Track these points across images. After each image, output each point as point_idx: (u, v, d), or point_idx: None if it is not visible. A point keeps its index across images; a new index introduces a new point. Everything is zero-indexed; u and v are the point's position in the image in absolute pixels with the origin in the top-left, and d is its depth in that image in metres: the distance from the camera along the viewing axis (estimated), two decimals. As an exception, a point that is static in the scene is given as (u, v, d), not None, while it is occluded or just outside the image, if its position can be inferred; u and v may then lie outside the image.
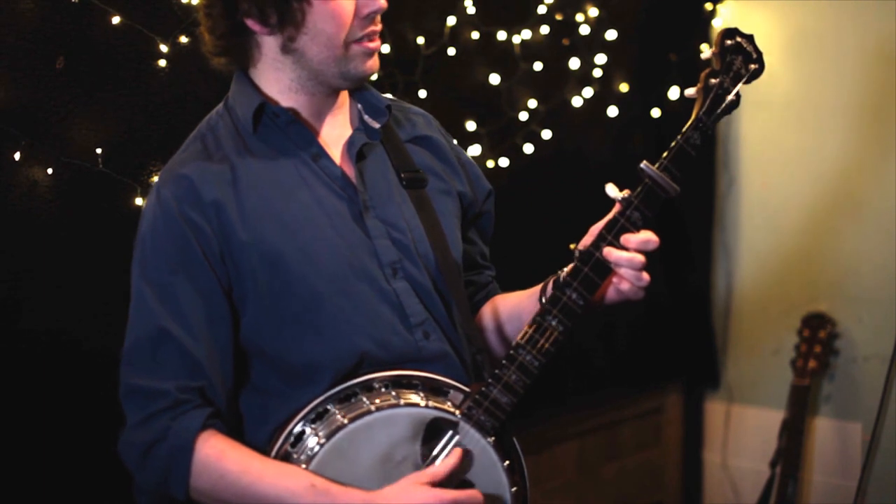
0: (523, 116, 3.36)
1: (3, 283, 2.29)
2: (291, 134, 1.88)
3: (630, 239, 1.78)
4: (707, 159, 3.94)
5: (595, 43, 3.53)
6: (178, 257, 1.78)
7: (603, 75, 3.56)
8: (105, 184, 2.39)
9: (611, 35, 3.55)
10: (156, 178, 2.45)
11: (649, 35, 3.72)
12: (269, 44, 1.86)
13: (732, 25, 1.90)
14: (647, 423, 3.99)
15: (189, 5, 2.49)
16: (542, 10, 3.38)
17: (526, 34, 3.34)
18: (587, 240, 1.83)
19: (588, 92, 3.52)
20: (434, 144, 2.05)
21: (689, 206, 3.87)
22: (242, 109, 1.88)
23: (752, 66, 1.85)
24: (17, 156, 2.27)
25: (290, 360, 1.81)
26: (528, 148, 3.34)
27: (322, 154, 1.88)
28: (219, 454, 1.72)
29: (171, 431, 1.73)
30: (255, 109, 1.86)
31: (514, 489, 1.80)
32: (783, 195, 3.82)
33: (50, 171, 2.32)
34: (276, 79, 1.88)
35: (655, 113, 3.74)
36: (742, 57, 1.85)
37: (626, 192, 1.79)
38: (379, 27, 1.87)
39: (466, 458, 1.75)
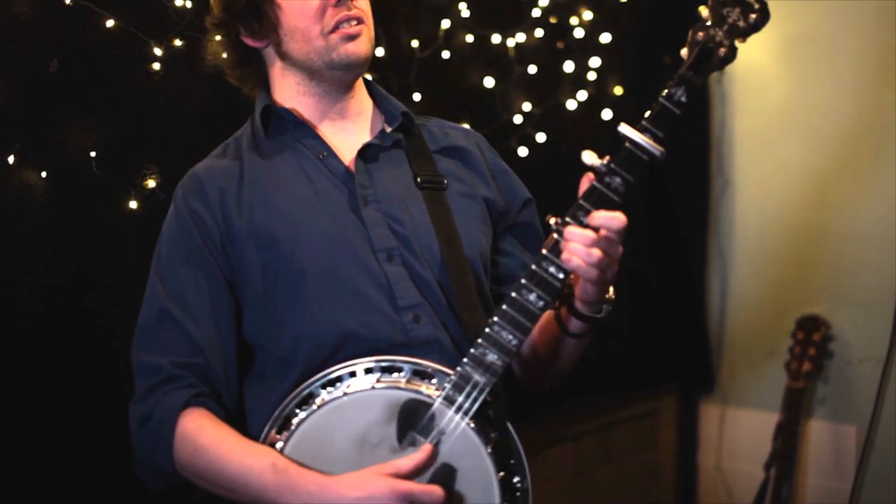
0: (518, 119, 3.37)
1: (-2, 287, 2.29)
2: (300, 135, 1.98)
3: (595, 216, 1.69)
4: (701, 162, 3.94)
5: (589, 46, 3.53)
6: (184, 247, 1.90)
7: (597, 78, 3.56)
8: (99, 187, 2.39)
9: (605, 38, 3.56)
10: (150, 181, 2.47)
11: (643, 38, 3.73)
12: (271, 55, 2.00)
13: None
14: (642, 426, 4.00)
15: (183, 9, 2.49)
16: (536, 13, 3.38)
17: (520, 37, 3.35)
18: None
19: (582, 95, 3.52)
20: (464, 154, 2.10)
21: (684, 209, 3.87)
22: (257, 116, 2.01)
23: (753, 17, 1.75)
24: (10, 159, 2.26)
25: (280, 342, 1.88)
26: (523, 151, 3.34)
27: (330, 154, 1.97)
28: (197, 429, 1.81)
29: (159, 406, 1.83)
30: (262, 111, 1.98)
31: (500, 474, 1.76)
32: (778, 198, 3.82)
33: (44, 174, 2.32)
34: (285, 86, 2.00)
35: (650, 116, 3.74)
36: (740, 9, 1.76)
37: (606, 159, 1.72)
38: (354, 12, 1.91)
39: (442, 446, 1.73)
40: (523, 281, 1.73)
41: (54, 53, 2.33)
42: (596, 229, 1.70)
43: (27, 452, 2.34)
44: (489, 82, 3.28)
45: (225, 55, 2.07)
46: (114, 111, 2.43)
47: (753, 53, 3.72)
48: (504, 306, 1.73)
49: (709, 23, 1.76)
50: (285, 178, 1.93)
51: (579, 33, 3.51)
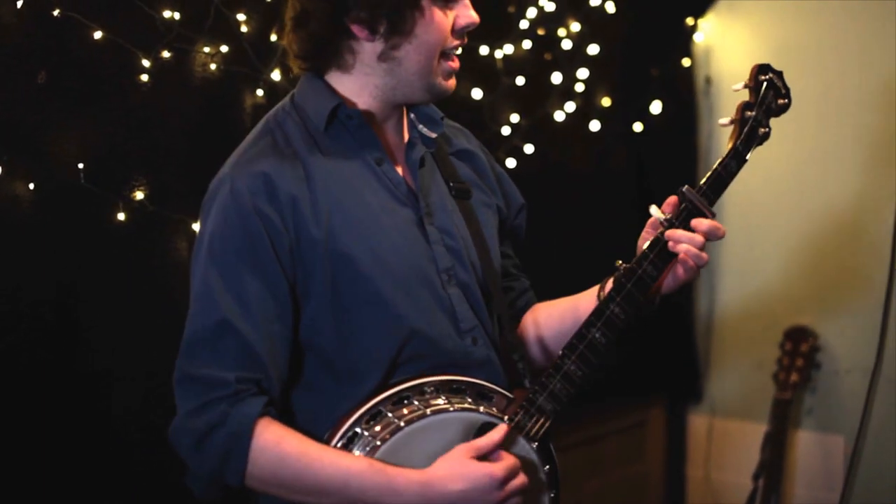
0: (506, 131, 3.37)
1: (-15, 299, 2.28)
2: (359, 137, 1.90)
3: (701, 222, 1.90)
4: (689, 174, 3.95)
5: (577, 57, 3.54)
6: (249, 250, 1.79)
7: (585, 90, 3.57)
8: (87, 199, 2.38)
9: (593, 50, 3.57)
10: (138, 193, 2.46)
11: (631, 50, 3.74)
12: (367, 50, 1.87)
13: (765, 64, 2.00)
14: (631, 438, 4.00)
15: (171, 20, 2.49)
16: (524, 24, 3.39)
17: (508, 49, 3.35)
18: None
19: (570, 106, 3.53)
20: (475, 159, 2.10)
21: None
22: (316, 108, 1.89)
23: (781, 102, 1.99)
24: (-2, 171, 2.26)
25: (345, 355, 1.84)
26: (511, 162, 3.35)
27: (385, 159, 1.92)
28: (277, 439, 1.75)
29: (229, 418, 1.74)
30: (332, 109, 1.88)
31: (552, 494, 1.90)
32: (765, 210, 3.83)
33: (32, 186, 2.31)
34: (360, 84, 1.90)
35: (637, 127, 3.76)
36: (773, 92, 1.98)
37: (667, 214, 1.91)
38: (465, 41, 1.93)
39: (513, 445, 1.83)
40: (592, 317, 1.89)
41: (42, 65, 2.32)
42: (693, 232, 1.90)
43: (17, 464, 2.33)
44: (477, 94, 3.28)
45: (309, 23, 1.86)
46: (102, 123, 2.42)
47: (740, 64, 3.72)
48: (574, 340, 1.87)
49: (753, 102, 1.97)
50: (351, 183, 1.86)
51: (567, 45, 3.52)
